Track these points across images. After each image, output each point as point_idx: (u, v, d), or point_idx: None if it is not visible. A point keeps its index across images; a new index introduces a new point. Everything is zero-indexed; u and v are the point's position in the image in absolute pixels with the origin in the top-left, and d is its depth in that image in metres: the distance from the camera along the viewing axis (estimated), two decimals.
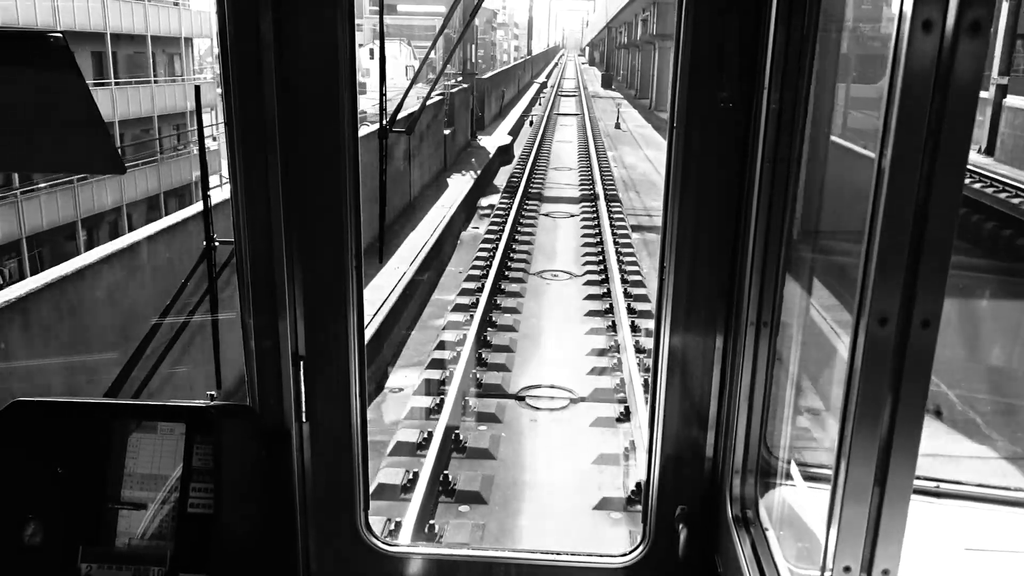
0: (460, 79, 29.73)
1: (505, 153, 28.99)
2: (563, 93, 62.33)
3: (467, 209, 19.92)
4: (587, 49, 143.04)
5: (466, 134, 29.19)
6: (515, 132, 35.52)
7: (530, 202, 20.31)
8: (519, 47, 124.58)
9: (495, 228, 17.08)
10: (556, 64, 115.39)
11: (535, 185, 22.99)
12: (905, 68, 1.30)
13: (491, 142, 30.31)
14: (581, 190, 22.04)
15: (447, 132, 24.60)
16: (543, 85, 67.42)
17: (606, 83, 73.89)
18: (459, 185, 21.96)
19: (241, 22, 2.16)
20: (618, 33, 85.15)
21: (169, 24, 36.21)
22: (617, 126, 37.04)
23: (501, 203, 19.73)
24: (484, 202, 21.13)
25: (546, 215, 19.26)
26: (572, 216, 19.10)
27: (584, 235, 16.91)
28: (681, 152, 2.23)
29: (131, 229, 19.11)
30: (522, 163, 26.30)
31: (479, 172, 24.19)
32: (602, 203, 18.92)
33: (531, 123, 39.06)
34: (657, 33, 48.53)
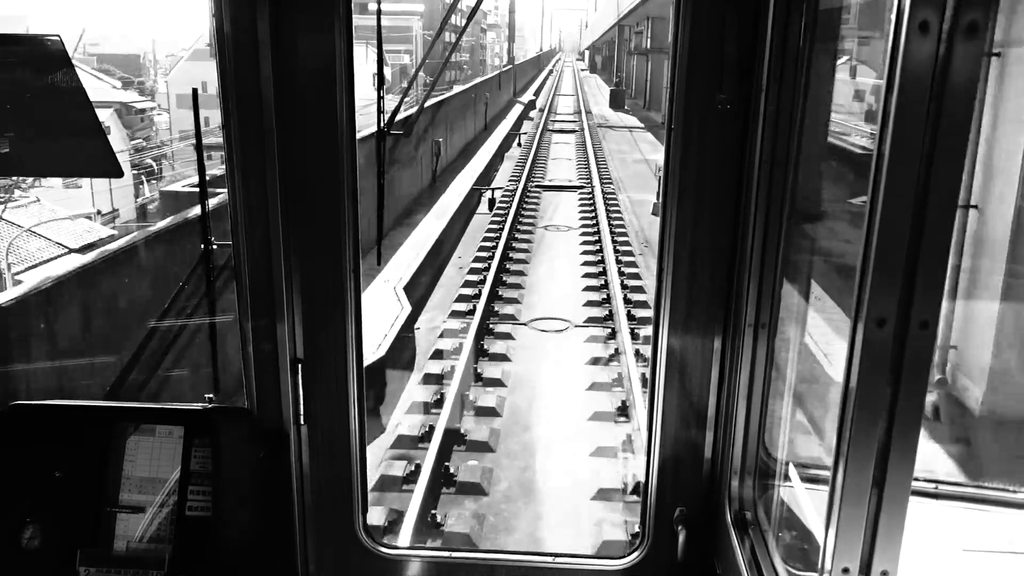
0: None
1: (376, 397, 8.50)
2: (557, 124, 38.36)
3: None
4: (587, 53, 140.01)
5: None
6: (440, 254, 14.65)
7: None
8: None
9: None
10: (551, 71, 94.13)
11: None
12: (902, 69, 1.31)
13: None
14: None
15: None
16: (529, 105, 46.25)
17: (616, 102, 49.35)
18: None
19: (238, 24, 2.16)
20: (634, 34, 57.13)
21: None
22: (657, 211, 14.54)
23: None
24: None
25: None
26: None
27: None
28: (679, 153, 2.23)
29: None
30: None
31: None
32: None
33: (490, 205, 19.46)
34: None
